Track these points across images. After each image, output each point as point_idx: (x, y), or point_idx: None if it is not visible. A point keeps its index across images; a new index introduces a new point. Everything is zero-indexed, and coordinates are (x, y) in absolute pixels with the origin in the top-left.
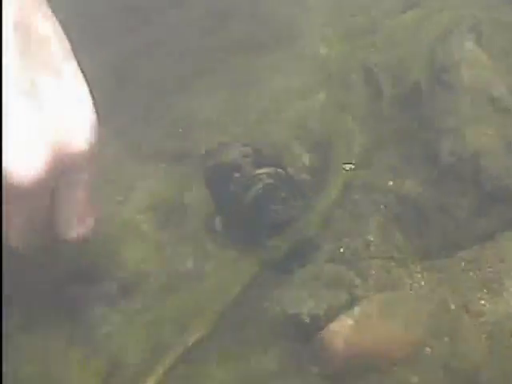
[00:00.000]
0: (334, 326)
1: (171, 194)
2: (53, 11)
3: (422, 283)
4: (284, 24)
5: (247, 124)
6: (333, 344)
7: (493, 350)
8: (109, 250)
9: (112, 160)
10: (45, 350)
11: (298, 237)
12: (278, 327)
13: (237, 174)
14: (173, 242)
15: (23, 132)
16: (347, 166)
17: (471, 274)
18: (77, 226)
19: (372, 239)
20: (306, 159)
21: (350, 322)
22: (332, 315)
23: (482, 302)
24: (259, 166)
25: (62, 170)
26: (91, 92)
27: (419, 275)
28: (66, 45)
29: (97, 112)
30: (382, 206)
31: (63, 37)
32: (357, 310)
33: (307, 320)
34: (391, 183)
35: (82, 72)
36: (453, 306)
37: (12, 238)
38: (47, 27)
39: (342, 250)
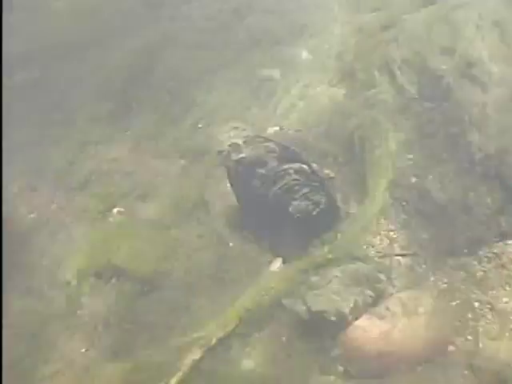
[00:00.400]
0: (359, 325)
1: (192, 190)
2: None
3: (446, 280)
4: (301, 20)
5: (269, 120)
6: (358, 343)
7: None
8: (129, 247)
9: (131, 156)
10: None
11: (322, 234)
12: (301, 325)
13: (261, 170)
14: (194, 239)
15: None
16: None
17: (494, 271)
18: None
19: (395, 236)
20: (329, 155)
21: (375, 320)
22: (357, 313)
23: (506, 299)
24: (284, 162)
25: None
26: None
27: (443, 272)
28: None
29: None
30: (404, 203)
31: None
32: (381, 307)
33: (333, 318)
34: (414, 180)
35: None
36: (476, 304)
37: None
38: None
39: (365, 248)
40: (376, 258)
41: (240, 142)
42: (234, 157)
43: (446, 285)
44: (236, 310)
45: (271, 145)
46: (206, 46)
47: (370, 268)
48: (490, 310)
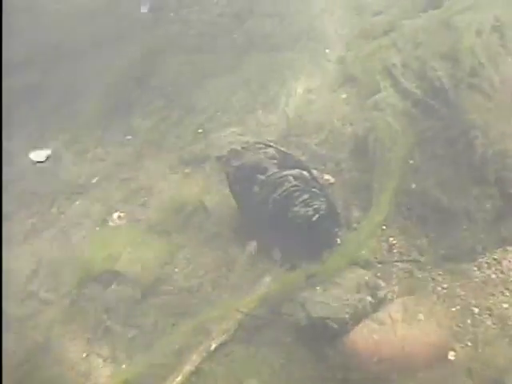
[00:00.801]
0: (359, 331)
1: (192, 196)
2: None
3: (445, 286)
4: (302, 24)
5: (270, 125)
6: (358, 349)
7: None
8: (129, 252)
9: (131, 161)
10: None
11: (321, 239)
12: (301, 331)
13: (261, 176)
14: (194, 244)
15: None
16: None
17: (494, 277)
18: None
19: (395, 242)
20: (329, 161)
21: (375, 326)
22: (357, 319)
23: (505, 305)
24: (284, 168)
25: None
26: None
27: (442, 278)
28: None
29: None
30: (403, 209)
31: None
32: (381, 313)
33: (333, 325)
34: (414, 185)
35: None
36: (476, 310)
37: None
38: None
39: (363, 253)
40: (376, 264)
41: (240, 147)
42: (234, 163)
43: (445, 290)
44: (236, 315)
45: (271, 151)
46: (206, 51)
47: (369, 274)
48: (490, 315)
